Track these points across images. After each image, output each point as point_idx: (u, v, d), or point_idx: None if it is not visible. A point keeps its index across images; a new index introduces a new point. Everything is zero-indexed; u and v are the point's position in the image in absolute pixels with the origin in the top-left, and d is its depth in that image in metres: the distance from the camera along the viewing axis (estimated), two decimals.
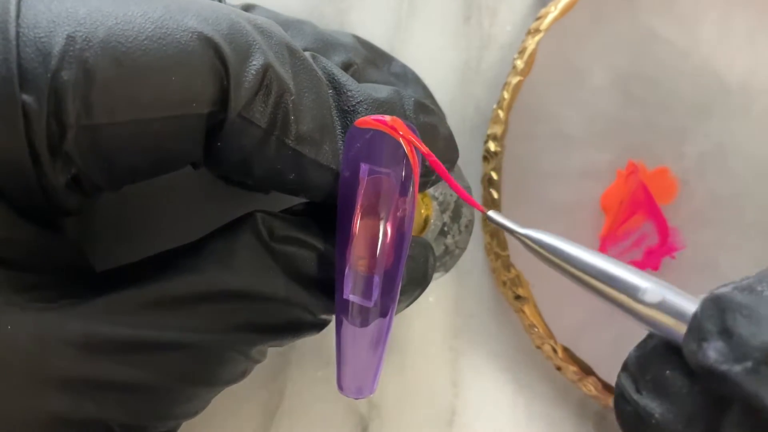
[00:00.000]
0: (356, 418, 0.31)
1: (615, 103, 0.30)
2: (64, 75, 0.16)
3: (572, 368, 0.30)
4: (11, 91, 0.16)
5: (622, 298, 0.19)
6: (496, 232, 0.30)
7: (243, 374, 0.22)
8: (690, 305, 0.18)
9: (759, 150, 0.30)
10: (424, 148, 0.20)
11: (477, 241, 0.31)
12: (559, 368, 0.30)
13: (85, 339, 0.18)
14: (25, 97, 0.16)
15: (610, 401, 0.30)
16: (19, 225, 0.19)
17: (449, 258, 0.28)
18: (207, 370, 0.20)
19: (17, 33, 0.16)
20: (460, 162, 0.29)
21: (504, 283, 0.30)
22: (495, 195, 0.30)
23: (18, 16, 0.17)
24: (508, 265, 0.30)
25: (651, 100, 0.30)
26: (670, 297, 0.18)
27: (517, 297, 0.30)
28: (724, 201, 0.30)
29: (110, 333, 0.18)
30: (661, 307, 0.18)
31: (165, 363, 0.19)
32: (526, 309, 0.30)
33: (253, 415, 0.30)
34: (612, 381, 0.30)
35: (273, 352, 0.30)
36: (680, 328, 0.18)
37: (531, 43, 0.29)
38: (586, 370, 0.30)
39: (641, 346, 0.20)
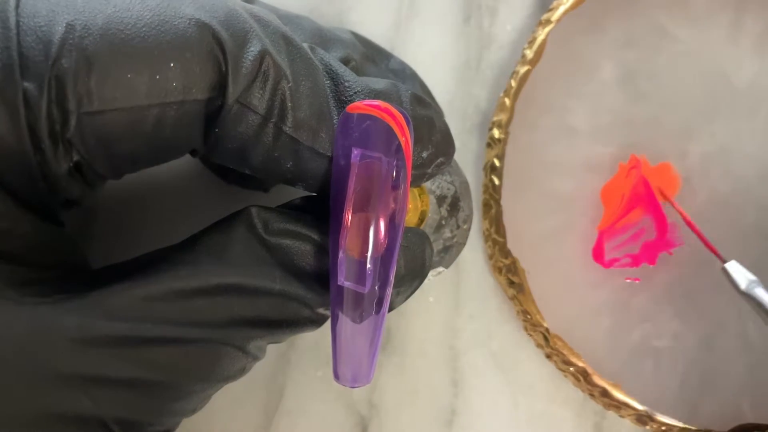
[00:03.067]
0: (356, 418, 0.31)
1: (621, 98, 0.30)
2: (65, 63, 0.16)
3: (562, 357, 0.30)
4: (12, 79, 0.16)
5: None
6: (495, 218, 0.30)
7: (242, 371, 0.21)
8: None
9: (763, 152, 0.30)
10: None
11: (477, 240, 0.31)
12: (548, 356, 0.30)
13: (80, 333, 0.18)
14: (27, 84, 0.16)
15: (599, 399, 0.30)
16: (19, 216, 0.19)
17: (448, 253, 0.28)
18: (203, 366, 0.20)
19: (17, 22, 0.17)
20: (460, 161, 0.30)
21: (500, 270, 0.30)
22: (496, 181, 0.30)
23: (18, 5, 0.17)
24: (505, 252, 0.30)
25: (658, 97, 0.30)
26: None
27: (512, 283, 0.30)
28: (725, 201, 0.30)
29: (105, 327, 0.18)
30: None
31: (160, 358, 0.19)
32: (520, 296, 0.30)
33: (253, 415, 0.30)
34: (601, 373, 0.30)
35: (272, 352, 0.30)
36: None
37: (541, 34, 0.29)
38: (577, 362, 0.30)
39: None
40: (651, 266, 0.30)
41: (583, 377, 0.30)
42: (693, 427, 0.29)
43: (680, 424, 0.30)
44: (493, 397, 0.31)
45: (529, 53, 0.29)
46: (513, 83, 0.30)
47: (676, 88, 0.30)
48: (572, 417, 0.31)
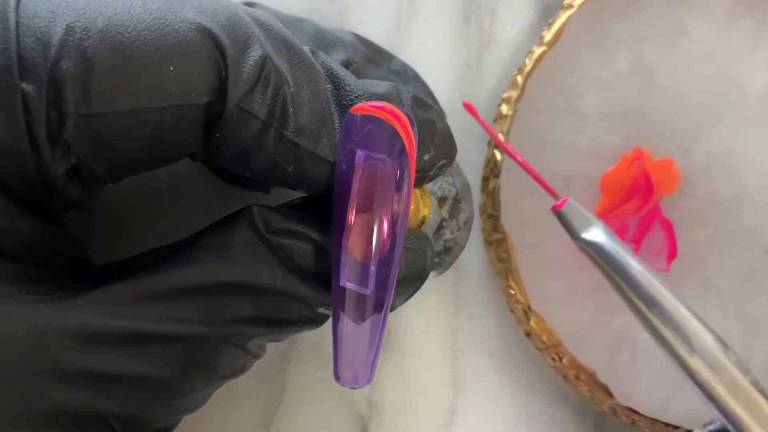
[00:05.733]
0: (356, 418, 0.31)
1: (633, 90, 0.30)
2: (64, 64, 0.16)
3: (541, 336, 0.30)
4: (11, 80, 0.16)
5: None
6: (492, 193, 0.30)
7: (242, 369, 0.22)
8: None
9: None
10: (487, 127, 0.20)
11: (477, 240, 0.31)
12: (528, 334, 0.30)
13: (81, 331, 0.18)
14: (25, 86, 0.16)
15: (579, 386, 0.30)
16: (19, 216, 0.19)
17: (448, 254, 0.28)
18: (204, 363, 0.20)
19: (17, 23, 0.17)
20: (461, 162, 0.30)
21: (490, 244, 0.31)
22: (498, 157, 0.30)
23: (18, 6, 0.17)
24: (497, 227, 0.30)
25: (669, 93, 0.30)
26: None
27: (500, 258, 0.30)
28: (724, 203, 0.29)
29: (107, 325, 0.18)
30: None
31: (161, 355, 0.19)
32: (506, 270, 0.30)
33: (253, 415, 0.30)
34: (578, 357, 0.30)
35: (273, 351, 0.30)
36: None
37: (561, 17, 0.29)
38: (555, 341, 0.30)
39: None
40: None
41: (559, 359, 0.30)
42: (662, 422, 0.30)
43: (650, 417, 0.30)
44: (493, 397, 0.31)
45: (547, 35, 0.29)
46: (527, 62, 0.30)
47: (688, 86, 0.30)
48: (572, 417, 0.31)
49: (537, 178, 0.20)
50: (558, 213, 0.21)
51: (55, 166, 0.18)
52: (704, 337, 0.19)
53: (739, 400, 0.19)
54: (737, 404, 0.19)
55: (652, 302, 0.20)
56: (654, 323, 0.20)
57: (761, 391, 0.19)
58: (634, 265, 0.20)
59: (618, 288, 0.21)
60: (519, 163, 0.20)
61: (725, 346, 0.19)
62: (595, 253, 0.21)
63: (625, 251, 0.20)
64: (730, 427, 0.19)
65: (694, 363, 0.19)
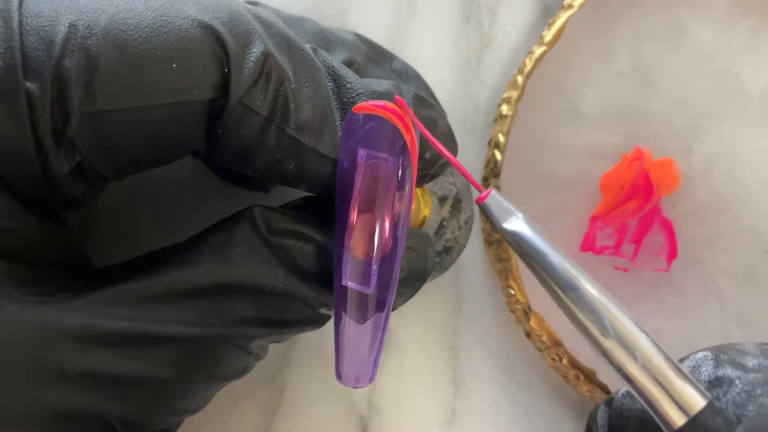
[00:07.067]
0: (356, 418, 0.31)
1: (633, 90, 0.30)
2: (67, 63, 0.16)
3: (541, 336, 0.30)
4: (15, 79, 0.16)
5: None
6: None
7: (244, 370, 0.22)
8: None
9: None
10: (421, 127, 0.20)
11: (477, 241, 0.31)
12: (528, 334, 0.30)
13: (83, 332, 0.18)
14: (29, 84, 0.16)
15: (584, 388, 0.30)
16: (22, 216, 0.19)
17: (448, 254, 0.28)
18: (205, 364, 0.20)
19: (20, 22, 0.17)
20: (461, 161, 0.30)
21: (490, 244, 0.31)
22: (498, 156, 0.30)
23: (21, 5, 0.17)
24: None
25: (670, 92, 0.30)
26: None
27: (500, 258, 0.30)
28: (724, 203, 0.30)
29: (108, 326, 0.18)
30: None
31: (163, 356, 0.19)
32: (506, 270, 0.30)
33: (253, 415, 0.30)
34: (579, 357, 0.30)
35: (272, 352, 0.30)
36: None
37: (561, 17, 0.29)
38: (555, 341, 0.30)
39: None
40: (637, 259, 0.30)
41: (559, 359, 0.30)
42: None
43: None
44: (493, 397, 0.31)
45: (547, 35, 0.29)
46: (528, 62, 0.30)
47: (688, 86, 0.30)
48: (572, 417, 0.31)
49: (463, 173, 0.21)
50: (482, 205, 0.22)
51: (60, 165, 0.18)
52: (618, 321, 0.20)
53: (652, 381, 0.20)
54: (651, 385, 0.20)
55: (569, 287, 0.20)
56: (571, 308, 0.21)
57: (677, 371, 0.20)
58: (553, 253, 0.21)
59: (538, 275, 0.21)
60: (447, 158, 0.21)
61: (640, 328, 0.20)
62: (515, 242, 0.21)
63: (544, 241, 0.21)
64: (644, 404, 0.20)
65: (609, 345, 0.20)
